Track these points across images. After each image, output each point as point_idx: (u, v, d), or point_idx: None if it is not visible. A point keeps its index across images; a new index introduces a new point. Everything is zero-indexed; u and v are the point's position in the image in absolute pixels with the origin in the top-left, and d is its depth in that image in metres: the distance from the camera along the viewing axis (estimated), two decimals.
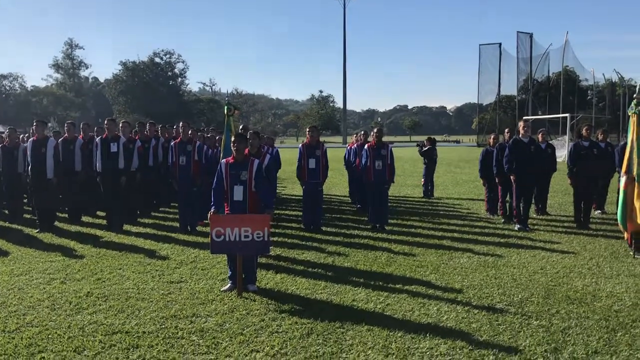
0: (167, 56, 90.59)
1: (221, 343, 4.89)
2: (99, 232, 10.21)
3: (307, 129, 10.53)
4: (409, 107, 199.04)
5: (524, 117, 44.12)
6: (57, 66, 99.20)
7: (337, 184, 18.77)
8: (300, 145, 10.54)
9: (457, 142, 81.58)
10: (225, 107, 8.31)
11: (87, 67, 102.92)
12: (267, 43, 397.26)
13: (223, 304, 5.96)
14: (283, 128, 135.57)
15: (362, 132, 13.77)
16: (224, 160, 6.69)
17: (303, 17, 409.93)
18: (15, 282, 6.89)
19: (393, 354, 4.62)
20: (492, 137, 11.98)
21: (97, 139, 10.50)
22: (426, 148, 16.03)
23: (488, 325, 5.25)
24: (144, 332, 5.16)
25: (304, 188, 10.24)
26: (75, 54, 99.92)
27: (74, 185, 11.34)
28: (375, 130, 10.54)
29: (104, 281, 6.91)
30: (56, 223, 11.07)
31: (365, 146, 10.55)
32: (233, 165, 6.53)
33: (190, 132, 10.59)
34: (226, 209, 6.62)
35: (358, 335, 5.03)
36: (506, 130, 11.25)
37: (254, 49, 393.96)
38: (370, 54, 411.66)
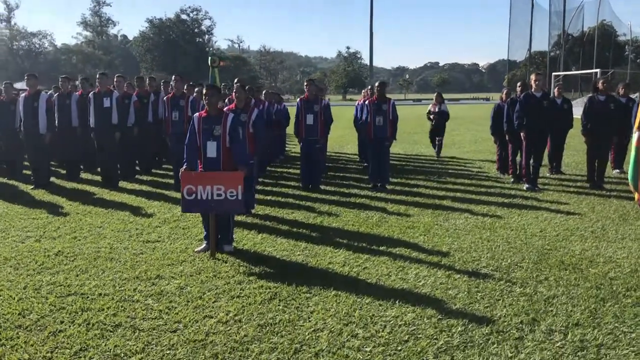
0: (194, 13, 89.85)
1: (176, 307, 4.61)
2: (93, 189, 10.02)
3: (305, 82, 10.03)
4: (440, 64, 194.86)
5: (554, 73, 42.61)
6: (85, 24, 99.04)
7: (350, 141, 18.28)
8: (298, 99, 10.08)
9: (487, 99, 79.48)
10: (210, 58, 7.89)
11: (114, 25, 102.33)
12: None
13: (192, 266, 5.68)
14: None
15: (369, 88, 13.19)
16: (196, 114, 6.30)
17: None
18: None
19: (354, 322, 4.27)
20: (504, 91, 11.31)
21: (90, 94, 10.19)
22: (434, 114, 14.67)
23: (466, 292, 4.85)
24: (100, 294, 4.91)
25: (301, 145, 9.83)
26: (102, 11, 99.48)
27: (71, 141, 11.11)
28: (377, 84, 9.98)
29: (79, 240, 6.69)
30: (54, 180, 10.94)
31: (366, 101, 10.03)
32: (206, 120, 6.14)
33: (185, 87, 10.23)
34: (200, 166, 6.27)
35: (322, 302, 4.69)
36: (518, 84, 10.57)
37: (283, 4, 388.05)
38: (401, 9, 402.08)
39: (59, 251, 6.20)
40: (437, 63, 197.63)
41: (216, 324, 4.27)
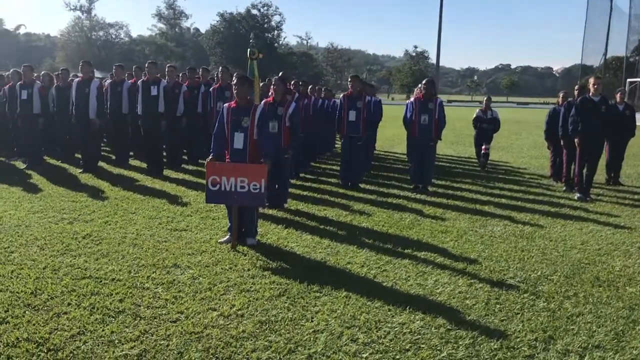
0: (265, 8, 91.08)
1: (183, 297, 4.57)
2: (138, 176, 10.21)
3: (349, 78, 9.86)
4: (512, 67, 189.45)
5: (629, 80, 40.52)
6: (159, 16, 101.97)
7: (402, 141, 17.86)
8: (341, 95, 9.92)
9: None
10: (249, 50, 7.84)
11: (187, 18, 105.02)
12: None
13: (210, 257, 5.64)
14: (377, 84, 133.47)
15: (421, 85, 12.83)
16: (226, 104, 6.25)
17: None
18: (27, 219, 6.93)
19: (357, 326, 4.10)
20: (562, 94, 10.74)
21: (139, 82, 10.40)
22: (484, 122, 12.69)
23: (483, 303, 4.58)
24: (114, 279, 4.94)
25: (342, 142, 9.66)
26: (176, 4, 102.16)
27: (122, 127, 11.39)
28: (424, 81, 9.69)
29: (110, 224, 6.80)
30: (103, 165, 11.24)
31: (411, 99, 9.76)
32: (235, 110, 6.08)
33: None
34: (227, 157, 6.23)
35: (331, 302, 4.53)
36: (575, 87, 10.02)
37: (354, 2, 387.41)
38: (473, 9, 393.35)
39: (87, 234, 6.31)
40: (509, 65, 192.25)
41: (217, 317, 4.19)
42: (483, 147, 12.52)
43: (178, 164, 11.48)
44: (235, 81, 6.10)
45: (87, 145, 10.54)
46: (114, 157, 12.10)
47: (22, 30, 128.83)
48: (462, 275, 5.26)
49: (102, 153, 12.69)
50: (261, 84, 9.73)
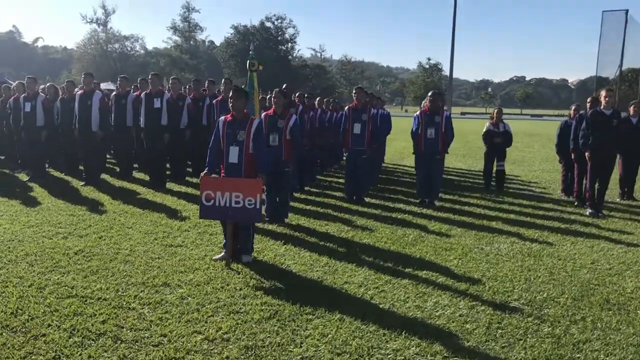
0: (279, 21, 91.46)
1: (169, 319, 4.38)
2: (140, 189, 10.08)
3: (353, 90, 9.66)
4: (527, 79, 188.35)
5: None
6: (174, 29, 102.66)
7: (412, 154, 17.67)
8: (346, 107, 9.72)
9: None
10: (248, 62, 7.68)
11: (202, 30, 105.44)
12: (381, 9, 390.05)
13: (203, 275, 5.44)
14: (390, 96, 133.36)
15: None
16: (222, 117, 6.09)
17: None
18: (21, 233, 6.79)
19: (348, 353, 3.87)
20: (573, 107, 10.45)
21: (142, 95, 10.29)
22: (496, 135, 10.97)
23: (484, 328, 4.33)
24: (99, 299, 4.76)
25: (346, 155, 9.45)
26: (191, 17, 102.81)
27: (126, 140, 11.29)
28: (430, 94, 9.48)
29: (104, 239, 6.64)
30: (106, 177, 11.14)
31: (417, 112, 9.55)
32: (230, 124, 5.91)
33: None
34: (222, 172, 6.05)
35: (323, 325, 4.31)
36: (588, 99, 9.74)
37: (368, 14, 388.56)
38: (487, 21, 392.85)
39: (80, 250, 6.15)
40: (524, 77, 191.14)
41: (201, 342, 3.99)
42: (497, 164, 11.14)
43: (182, 177, 11.35)
44: (230, 94, 5.94)
45: (90, 158, 10.42)
46: (118, 170, 11.98)
47: (40, 43, 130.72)
48: (464, 297, 5.01)
49: (107, 165, 12.63)
50: (267, 97, 9.59)
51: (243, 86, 8.52)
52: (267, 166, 6.08)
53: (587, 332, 4.31)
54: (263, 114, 7.67)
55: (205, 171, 5.92)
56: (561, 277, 5.67)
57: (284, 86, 9.41)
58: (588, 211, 8.90)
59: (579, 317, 4.62)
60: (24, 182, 10.42)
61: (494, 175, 11.24)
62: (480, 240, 7.11)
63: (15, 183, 10.42)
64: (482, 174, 13.41)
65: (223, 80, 9.92)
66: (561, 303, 4.94)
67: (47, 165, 11.95)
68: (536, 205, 9.65)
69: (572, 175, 10.10)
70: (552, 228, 7.86)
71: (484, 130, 11.21)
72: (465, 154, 19.30)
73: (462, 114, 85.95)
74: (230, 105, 5.92)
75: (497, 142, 10.96)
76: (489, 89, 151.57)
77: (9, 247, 6.18)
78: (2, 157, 12.97)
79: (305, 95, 11.07)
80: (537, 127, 41.40)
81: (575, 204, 9.63)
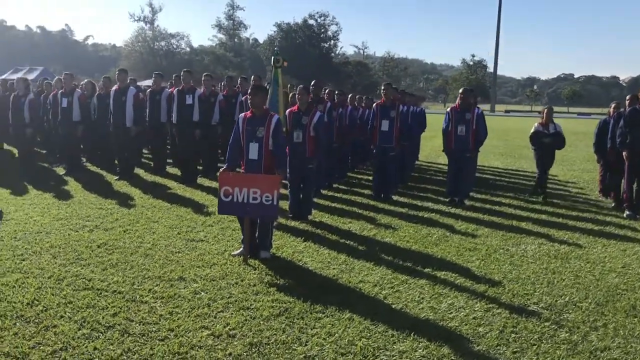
0: (322, 18, 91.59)
1: (179, 313, 4.40)
2: (171, 184, 10.21)
3: (382, 87, 9.53)
4: (575, 76, 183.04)
5: None
6: (219, 27, 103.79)
7: None
8: (374, 104, 9.61)
9: None
10: (273, 58, 7.66)
11: (246, 28, 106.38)
12: (425, 5, 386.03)
13: (219, 270, 5.46)
14: (433, 94, 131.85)
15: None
16: (242, 114, 6.09)
17: None
18: (50, 225, 6.96)
19: (353, 353, 3.81)
20: (613, 105, 10.07)
21: (175, 91, 10.42)
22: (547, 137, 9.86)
23: (498, 332, 4.20)
24: (114, 291, 4.82)
25: (374, 152, 9.34)
26: (236, 15, 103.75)
27: (159, 135, 11.46)
28: (460, 90, 9.28)
29: (128, 233, 6.74)
30: (139, 172, 11.32)
31: (448, 109, 9.36)
32: (250, 120, 5.91)
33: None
34: (242, 168, 6.06)
35: (331, 324, 4.26)
36: (627, 97, 9.35)
37: (412, 11, 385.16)
38: (535, 17, 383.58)
39: (103, 243, 6.26)
40: (572, 75, 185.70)
41: (207, 337, 3.99)
42: (547, 171, 10.11)
43: (213, 172, 11.43)
44: (249, 90, 5.94)
45: (124, 153, 10.61)
46: (152, 165, 12.17)
47: (90, 41, 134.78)
48: (481, 299, 4.87)
49: (143, 160, 12.85)
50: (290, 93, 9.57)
51: (267, 84, 8.54)
52: (284, 163, 6.06)
53: (607, 340, 4.13)
54: (287, 111, 7.65)
55: (224, 167, 5.94)
56: (587, 281, 5.46)
57: (312, 82, 9.39)
58: (626, 213, 8.56)
59: (601, 324, 4.43)
60: (60, 176, 10.69)
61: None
62: (506, 241, 6.92)
63: (51, 176, 10.71)
64: (518, 172, 13.11)
65: (239, 79, 9.92)
66: (583, 308, 4.75)
67: (84, 160, 12.25)
68: (570, 206, 9.34)
69: (611, 175, 9.72)
70: (584, 230, 7.59)
71: (532, 131, 10.10)
72: (503, 152, 18.88)
73: (507, 111, 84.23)
74: (249, 102, 5.92)
75: (546, 142, 9.83)
76: (535, 87, 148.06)
77: (36, 239, 6.34)
78: (43, 151, 13.34)
79: (336, 92, 11.00)
80: (583, 125, 40.19)
81: (612, 205, 9.28)
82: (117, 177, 10.52)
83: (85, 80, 12.81)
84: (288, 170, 7.50)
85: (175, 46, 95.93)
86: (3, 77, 30.65)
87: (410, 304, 4.75)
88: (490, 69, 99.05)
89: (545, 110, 10.26)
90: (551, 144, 9.84)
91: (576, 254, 6.42)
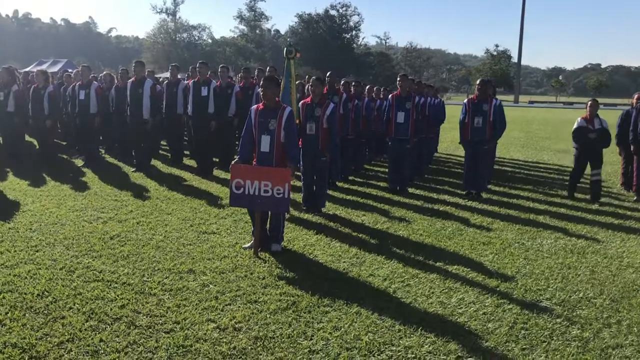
0: (343, 9, 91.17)
1: (186, 306, 4.40)
2: (188, 176, 10.24)
3: (398, 78, 9.42)
4: (602, 66, 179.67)
5: None
6: (240, 18, 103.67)
7: None
8: (390, 95, 9.51)
9: None
10: (285, 49, 7.61)
11: (267, 20, 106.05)
12: None
13: (229, 262, 5.45)
14: (457, 84, 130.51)
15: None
16: (254, 106, 6.06)
17: None
18: (65, 217, 7.02)
19: (358, 348, 3.77)
20: (636, 96, 9.83)
21: (190, 83, 10.44)
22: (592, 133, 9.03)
23: (507, 328, 4.12)
24: (123, 283, 4.85)
25: (389, 144, 9.25)
26: (257, 6, 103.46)
27: (176, 127, 11.51)
28: (477, 82, 9.13)
29: (141, 225, 6.77)
30: (157, 164, 11.39)
31: (465, 100, 9.23)
32: (262, 113, 5.88)
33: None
34: (254, 160, 6.04)
35: (337, 318, 4.22)
36: None
37: (435, 1, 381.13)
38: (560, 5, 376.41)
39: (116, 235, 6.30)
40: (599, 65, 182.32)
41: (212, 330, 3.98)
42: (592, 172, 9.20)
43: (228, 164, 11.44)
44: (262, 82, 5.91)
45: (141, 145, 10.67)
46: (169, 157, 12.23)
47: (113, 33, 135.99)
48: (492, 294, 4.79)
49: (160, 152, 12.92)
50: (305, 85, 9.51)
51: (281, 76, 8.50)
52: (296, 158, 6.03)
53: (620, 337, 4.03)
54: (300, 103, 7.61)
55: (236, 159, 5.92)
56: (603, 277, 5.34)
57: (328, 74, 9.32)
58: None
59: (614, 321, 4.32)
60: (78, 167, 10.80)
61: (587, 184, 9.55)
62: (522, 235, 6.81)
63: (70, 168, 10.82)
64: (539, 164, 12.90)
65: (268, 68, 9.88)
66: (597, 304, 4.65)
67: (102, 151, 12.36)
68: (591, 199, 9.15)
69: (632, 167, 9.51)
70: (604, 224, 7.44)
71: (575, 127, 9.30)
72: (525, 144, 18.60)
73: (530, 102, 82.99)
74: (261, 94, 5.88)
75: (592, 137, 8.96)
76: (561, 77, 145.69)
77: (50, 230, 6.40)
78: (63, 143, 13.50)
79: (353, 83, 10.91)
80: (608, 117, 39.41)
81: (635, 198, 9.08)
82: (134, 169, 10.59)
83: (105, 72, 12.91)
84: (301, 162, 7.50)
85: (197, 38, 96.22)
86: (28, 69, 31.09)
87: (419, 298, 4.69)
88: (515, 59, 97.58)
89: (590, 104, 9.32)
90: (596, 140, 8.98)
91: (593, 248, 6.29)
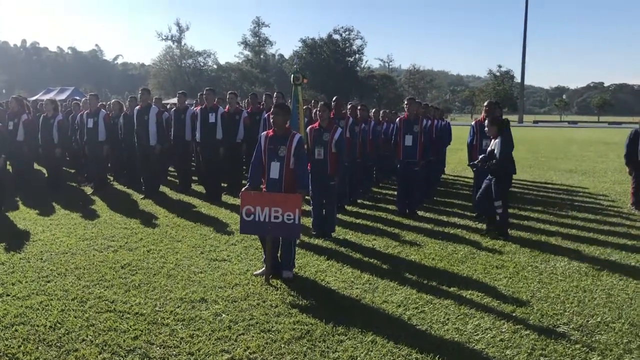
0: (346, 33, 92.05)
1: (199, 336, 4.36)
2: (196, 202, 10.24)
3: (405, 101, 9.44)
4: (606, 84, 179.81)
5: None
6: (245, 43, 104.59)
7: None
8: (397, 119, 9.52)
9: None
10: (292, 76, 7.65)
11: (272, 45, 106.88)
12: (450, 16, 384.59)
13: (241, 290, 5.42)
14: (460, 105, 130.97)
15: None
16: (264, 133, 6.08)
17: None
18: (76, 246, 7.01)
19: None
20: None
21: (197, 109, 10.50)
22: None
23: (526, 355, 4.06)
24: (136, 314, 4.81)
25: (398, 167, 9.24)
26: (261, 32, 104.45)
27: (184, 154, 11.54)
28: (485, 104, 9.14)
29: (152, 253, 6.76)
30: (165, 190, 11.40)
31: (472, 122, 9.23)
32: (272, 139, 5.90)
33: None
34: (264, 187, 6.04)
35: (353, 347, 4.17)
36: None
37: (437, 23, 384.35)
38: (562, 26, 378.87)
39: (127, 263, 6.28)
40: (602, 83, 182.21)
41: None
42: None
43: (237, 190, 11.44)
44: (272, 109, 5.94)
45: (149, 171, 10.70)
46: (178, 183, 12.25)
47: (119, 60, 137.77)
48: (508, 320, 4.73)
49: (169, 178, 12.94)
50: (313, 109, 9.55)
51: (288, 102, 8.54)
52: (306, 184, 6.02)
53: None
54: (308, 128, 7.63)
55: (246, 186, 5.92)
56: (620, 300, 5.27)
57: (334, 98, 9.37)
58: None
59: (635, 346, 4.26)
60: (88, 195, 10.82)
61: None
62: (535, 257, 6.74)
63: (79, 196, 10.84)
64: (547, 185, 12.85)
65: (264, 95, 9.96)
66: (616, 329, 4.58)
67: (110, 179, 12.40)
68: (601, 219, 9.09)
69: None
70: (616, 245, 7.37)
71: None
72: (532, 164, 18.54)
73: (535, 122, 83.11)
74: (271, 121, 5.91)
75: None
76: (564, 96, 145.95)
77: (61, 260, 6.39)
78: (72, 171, 13.55)
79: (359, 107, 10.95)
80: (614, 135, 39.43)
81: None
82: (142, 196, 10.60)
83: (113, 100, 13.00)
84: (310, 187, 7.49)
85: (202, 64, 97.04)
86: (35, 97, 31.38)
87: (435, 325, 4.63)
88: (518, 79, 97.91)
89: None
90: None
91: (608, 270, 6.21)
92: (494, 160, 7.55)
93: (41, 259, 6.44)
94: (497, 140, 7.67)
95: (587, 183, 13.76)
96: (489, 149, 7.81)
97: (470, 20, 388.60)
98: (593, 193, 12.18)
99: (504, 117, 9.78)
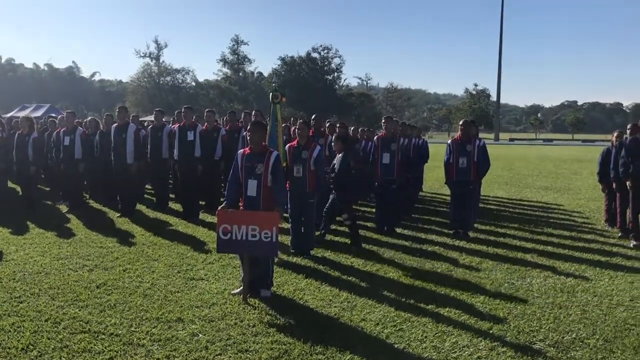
0: (325, 51, 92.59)
1: (176, 357, 4.31)
2: (173, 220, 10.16)
3: (382, 120, 9.54)
4: (579, 103, 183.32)
5: None
6: (224, 61, 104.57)
7: None
8: (375, 137, 9.60)
9: None
10: (271, 94, 7.68)
11: (250, 62, 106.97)
12: (428, 36, 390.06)
13: (218, 310, 5.37)
14: (438, 123, 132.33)
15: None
16: (241, 150, 6.09)
17: (462, 4, 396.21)
18: (50, 266, 6.90)
19: None
20: (616, 134, 10.02)
21: (176, 127, 10.47)
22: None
23: None
24: (111, 334, 4.74)
25: (376, 185, 9.30)
26: (240, 50, 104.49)
27: (161, 172, 11.47)
28: (460, 123, 9.27)
29: (128, 272, 6.67)
30: (142, 209, 11.29)
31: (449, 141, 9.34)
32: (249, 157, 5.90)
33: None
34: (241, 205, 6.02)
35: None
36: (629, 126, 9.29)
37: (415, 42, 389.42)
38: (537, 46, 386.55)
39: (102, 283, 6.19)
40: (575, 102, 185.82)
41: None
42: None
43: (215, 208, 11.38)
44: (249, 127, 5.95)
45: (125, 190, 10.60)
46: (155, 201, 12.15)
47: (97, 77, 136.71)
48: (485, 337, 4.76)
49: (145, 196, 12.82)
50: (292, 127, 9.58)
51: (267, 119, 8.56)
52: (283, 201, 6.02)
53: None
54: (287, 146, 7.65)
55: (223, 205, 5.90)
56: (594, 316, 5.34)
57: (313, 117, 9.41)
58: (632, 243, 8.45)
59: None
60: (63, 214, 10.67)
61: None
62: (511, 274, 6.81)
63: (54, 214, 10.68)
64: (522, 202, 13.01)
65: (243, 113, 9.98)
66: (591, 345, 4.63)
67: (86, 197, 12.25)
68: (576, 236, 9.22)
69: (616, 204, 9.63)
70: (591, 261, 7.48)
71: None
72: (508, 181, 18.77)
73: (511, 139, 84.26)
74: (248, 138, 5.92)
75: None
76: (539, 114, 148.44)
77: (35, 280, 6.28)
78: (47, 189, 13.36)
79: (338, 125, 11.01)
80: (587, 152, 40.14)
81: (619, 234, 9.16)
82: (119, 214, 10.49)
83: (90, 118, 12.90)
84: (289, 205, 7.49)
85: (180, 81, 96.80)
86: (10, 114, 30.96)
87: (412, 343, 4.64)
88: (494, 97, 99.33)
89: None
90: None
91: (583, 287, 6.30)
92: (332, 174, 8.03)
93: (14, 279, 6.32)
94: (339, 155, 8.08)
95: (562, 200, 13.97)
96: (334, 161, 8.20)
97: (448, 40, 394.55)
98: (568, 210, 12.37)
99: (479, 135, 9.95)
